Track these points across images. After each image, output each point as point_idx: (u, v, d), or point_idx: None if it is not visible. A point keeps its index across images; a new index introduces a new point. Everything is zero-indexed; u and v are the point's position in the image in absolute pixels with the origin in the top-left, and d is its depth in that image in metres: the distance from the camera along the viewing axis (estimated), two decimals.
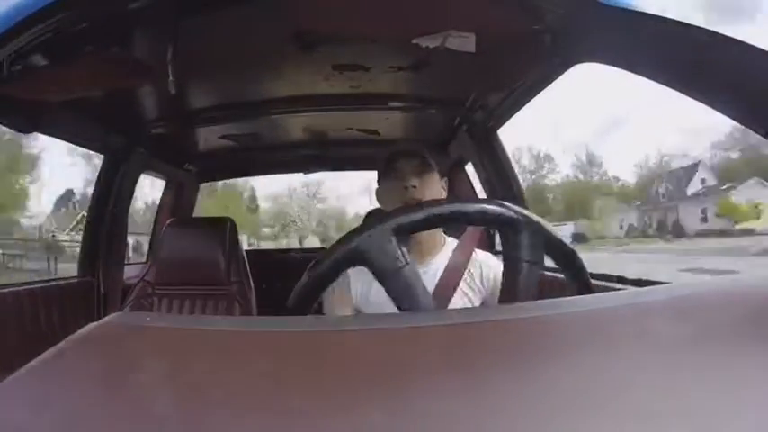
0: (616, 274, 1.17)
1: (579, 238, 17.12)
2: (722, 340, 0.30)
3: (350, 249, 0.45)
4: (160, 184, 2.28)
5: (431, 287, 0.88)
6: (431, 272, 0.90)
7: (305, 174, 2.50)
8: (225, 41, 1.08)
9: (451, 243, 0.96)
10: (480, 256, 0.95)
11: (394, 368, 0.28)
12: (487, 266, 0.94)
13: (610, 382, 0.26)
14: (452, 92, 1.49)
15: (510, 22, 0.96)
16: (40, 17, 0.72)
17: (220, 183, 11.63)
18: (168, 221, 1.71)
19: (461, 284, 0.90)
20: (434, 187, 0.92)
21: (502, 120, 1.53)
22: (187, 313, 1.55)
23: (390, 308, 0.89)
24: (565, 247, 0.53)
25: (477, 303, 0.91)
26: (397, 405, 0.24)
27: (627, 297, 0.43)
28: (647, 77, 0.70)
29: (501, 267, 0.95)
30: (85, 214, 1.84)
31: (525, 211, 0.52)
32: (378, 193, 0.99)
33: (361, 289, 0.89)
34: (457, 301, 0.88)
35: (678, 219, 18.46)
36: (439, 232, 0.96)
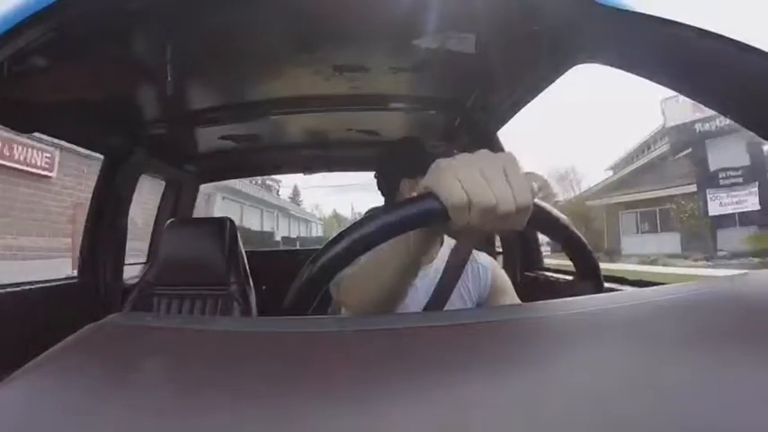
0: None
1: None
2: (722, 340, 0.30)
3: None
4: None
5: (430, 289, 0.88)
6: (431, 274, 0.89)
7: (305, 174, 2.49)
8: (225, 41, 1.09)
9: (449, 242, 0.95)
10: (477, 256, 0.95)
11: (395, 368, 0.28)
12: (484, 267, 0.94)
13: (610, 382, 0.26)
14: (452, 92, 1.49)
15: (510, 22, 0.96)
16: (40, 17, 0.72)
17: None
18: (168, 222, 1.71)
19: (459, 285, 0.90)
20: None
21: (502, 120, 1.53)
22: (187, 313, 1.55)
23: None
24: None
25: (472, 304, 0.91)
26: (399, 405, 0.24)
27: (627, 297, 0.43)
28: (647, 78, 0.70)
29: (498, 268, 0.95)
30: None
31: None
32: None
33: None
34: (454, 302, 0.88)
35: None
36: None
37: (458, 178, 0.39)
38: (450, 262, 0.91)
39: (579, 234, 0.49)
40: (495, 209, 0.38)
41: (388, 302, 0.56)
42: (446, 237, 0.97)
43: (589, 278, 0.50)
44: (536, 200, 0.42)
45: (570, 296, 0.45)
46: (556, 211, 0.47)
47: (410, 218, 0.41)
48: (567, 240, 0.49)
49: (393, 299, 0.56)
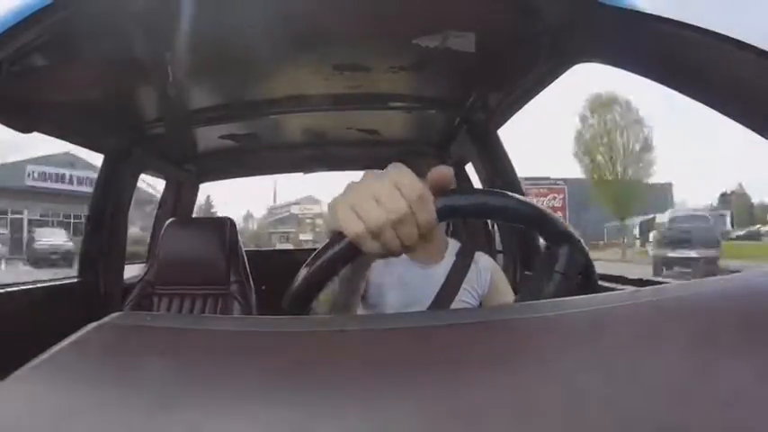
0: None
1: None
2: (722, 339, 0.30)
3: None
4: None
5: (436, 289, 0.90)
6: (438, 274, 0.93)
7: (304, 173, 2.50)
8: (225, 41, 1.08)
9: (454, 244, 0.99)
10: (479, 258, 0.99)
11: (395, 368, 0.28)
12: (485, 269, 0.98)
13: (609, 381, 0.26)
14: (452, 92, 1.49)
15: (510, 22, 0.97)
16: (40, 17, 0.72)
17: None
18: (168, 221, 1.71)
19: (465, 285, 0.94)
20: None
21: (502, 120, 1.53)
22: (187, 313, 1.55)
23: (389, 309, 0.89)
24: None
25: (474, 304, 0.94)
26: (399, 404, 0.24)
27: (627, 297, 0.43)
28: (647, 77, 0.70)
29: (498, 270, 0.98)
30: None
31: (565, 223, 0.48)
32: None
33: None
34: (457, 303, 0.91)
35: None
36: (443, 233, 0.99)
37: (352, 209, 0.39)
38: (456, 264, 0.95)
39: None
40: (393, 223, 0.38)
41: (344, 306, 0.57)
42: (451, 240, 1.00)
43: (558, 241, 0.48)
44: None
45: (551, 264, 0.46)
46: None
47: (331, 261, 0.42)
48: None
49: (347, 304, 0.57)
